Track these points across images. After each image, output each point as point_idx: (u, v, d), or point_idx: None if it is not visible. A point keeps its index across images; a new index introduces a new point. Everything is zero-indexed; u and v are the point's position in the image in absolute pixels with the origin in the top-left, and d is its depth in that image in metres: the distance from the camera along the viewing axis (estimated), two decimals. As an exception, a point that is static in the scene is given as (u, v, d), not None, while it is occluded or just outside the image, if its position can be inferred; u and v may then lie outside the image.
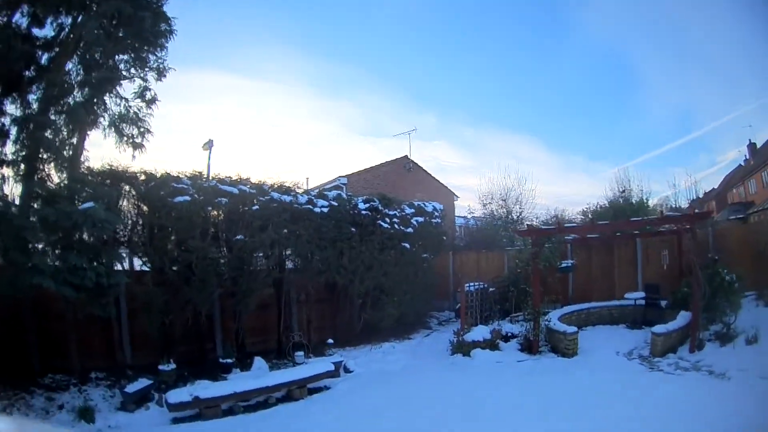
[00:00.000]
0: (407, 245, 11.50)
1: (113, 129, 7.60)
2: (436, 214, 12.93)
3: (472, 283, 11.22)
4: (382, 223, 10.97)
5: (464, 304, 10.25)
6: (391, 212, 11.44)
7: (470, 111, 53.47)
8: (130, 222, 8.02)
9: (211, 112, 51.55)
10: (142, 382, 6.98)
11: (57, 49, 7.51)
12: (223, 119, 50.56)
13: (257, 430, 5.99)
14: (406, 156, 19.82)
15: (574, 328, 8.92)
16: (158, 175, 8.00)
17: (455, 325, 11.77)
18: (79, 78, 7.58)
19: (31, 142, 6.76)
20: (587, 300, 11.67)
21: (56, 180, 7.14)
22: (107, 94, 7.48)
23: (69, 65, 7.62)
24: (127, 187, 7.84)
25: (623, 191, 19.11)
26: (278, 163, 50.48)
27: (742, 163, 30.15)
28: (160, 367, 7.37)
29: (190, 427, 6.17)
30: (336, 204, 10.38)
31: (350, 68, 49.68)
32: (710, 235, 11.25)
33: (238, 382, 6.99)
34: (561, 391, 6.45)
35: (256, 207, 8.82)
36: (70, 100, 7.36)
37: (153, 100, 7.96)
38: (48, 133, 6.65)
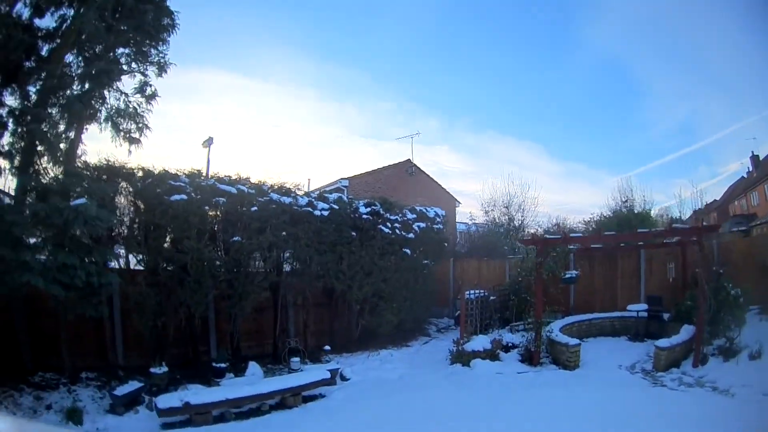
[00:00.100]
0: (408, 251, 11.34)
1: (110, 123, 7.43)
2: (438, 219, 12.76)
3: (472, 291, 11.03)
4: (384, 228, 10.80)
5: (464, 312, 10.07)
6: (392, 217, 11.28)
7: (473, 116, 53.49)
8: (126, 219, 7.85)
9: (212, 111, 51.53)
10: (133, 385, 6.81)
11: (59, 41, 7.38)
12: (225, 119, 50.54)
13: (248, 438, 5.80)
14: (409, 160, 19.66)
15: (576, 340, 8.75)
16: (156, 172, 7.84)
17: (454, 333, 11.62)
18: (80, 71, 7.46)
19: (27, 134, 6.60)
20: (589, 311, 11.57)
21: (53, 174, 7.00)
22: (106, 88, 7.33)
23: (70, 58, 7.51)
24: (123, 184, 7.68)
25: (626, 201, 19.00)
26: (279, 164, 50.25)
27: (745, 175, 30.15)
28: (152, 369, 7.17)
29: (180, 434, 5.97)
30: (337, 207, 10.19)
31: (353, 71, 49.81)
32: (715, 247, 11.13)
33: (230, 388, 6.79)
34: (564, 408, 6.21)
35: (255, 208, 8.63)
36: (69, 92, 7.21)
37: (153, 96, 7.82)
38: (43, 126, 6.47)
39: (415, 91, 53.04)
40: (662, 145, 46.60)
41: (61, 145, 6.98)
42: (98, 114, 7.43)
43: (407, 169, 19.37)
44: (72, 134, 7.20)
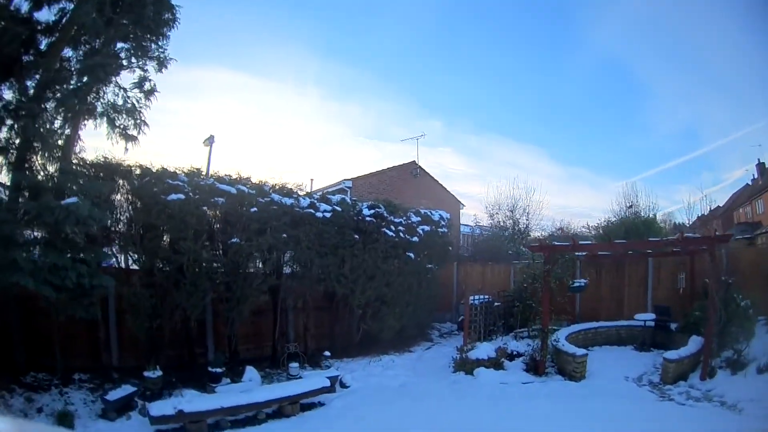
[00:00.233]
0: (412, 255, 11.09)
1: (105, 119, 7.22)
2: (443, 223, 12.52)
3: (476, 296, 10.81)
4: (387, 231, 10.57)
5: (468, 318, 9.86)
6: (396, 220, 11.05)
7: (473, 118, 53.11)
8: (123, 219, 7.67)
9: (214, 109, 51.26)
10: (126, 389, 6.63)
11: (57, 35, 7.20)
12: (227, 117, 50.22)
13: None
14: (414, 161, 19.40)
15: (583, 351, 8.54)
16: (154, 170, 7.64)
17: (457, 338, 11.43)
18: (78, 66, 7.26)
19: (21, 129, 6.41)
20: (595, 319, 11.39)
21: (48, 171, 6.81)
22: (104, 83, 7.11)
23: (69, 52, 7.31)
24: (121, 182, 7.50)
25: (630, 206, 18.78)
26: (282, 163, 49.94)
27: (750, 182, 29.82)
28: (146, 373, 6.96)
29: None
30: (339, 209, 9.96)
31: (357, 71, 49.32)
32: (724, 256, 10.88)
33: (226, 396, 6.59)
34: (570, 424, 6.02)
35: (255, 209, 8.41)
36: (66, 87, 7.02)
37: (152, 92, 7.60)
38: (38, 121, 6.27)
39: (417, 92, 52.89)
40: (665, 148, 46.12)
41: (58, 142, 6.78)
42: (95, 109, 7.22)
43: (412, 170, 19.12)
44: (68, 130, 6.99)
